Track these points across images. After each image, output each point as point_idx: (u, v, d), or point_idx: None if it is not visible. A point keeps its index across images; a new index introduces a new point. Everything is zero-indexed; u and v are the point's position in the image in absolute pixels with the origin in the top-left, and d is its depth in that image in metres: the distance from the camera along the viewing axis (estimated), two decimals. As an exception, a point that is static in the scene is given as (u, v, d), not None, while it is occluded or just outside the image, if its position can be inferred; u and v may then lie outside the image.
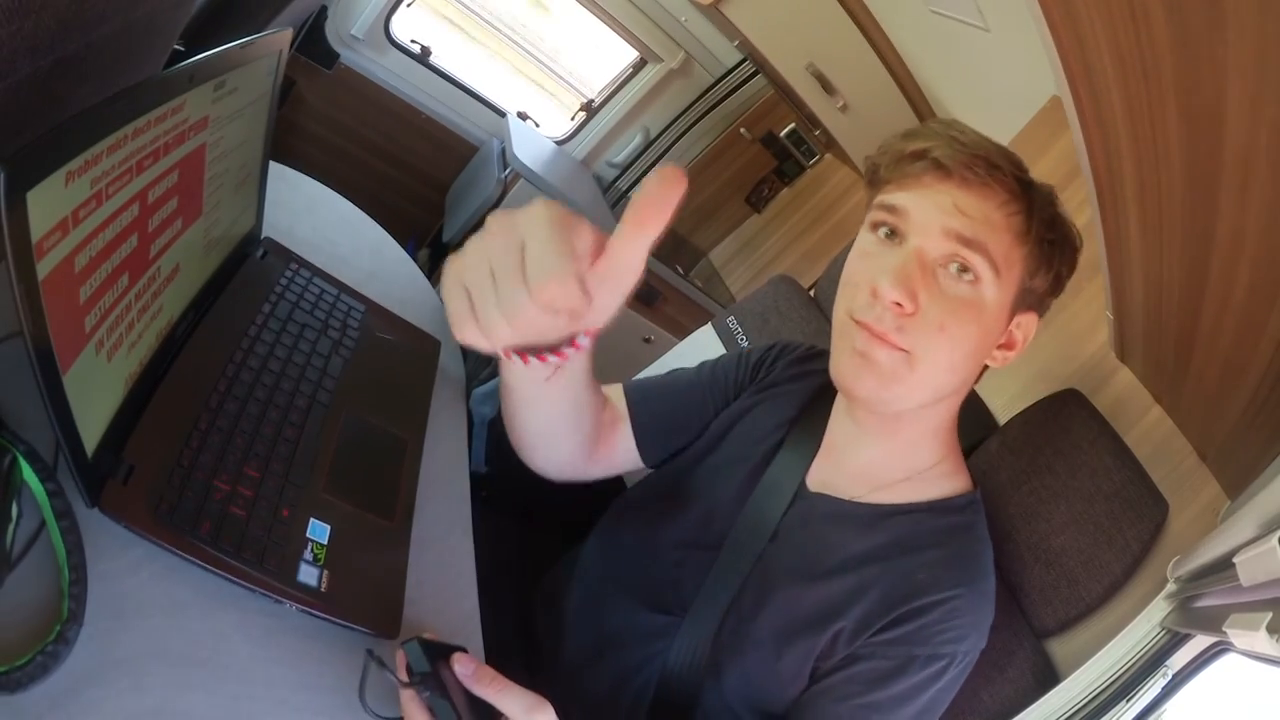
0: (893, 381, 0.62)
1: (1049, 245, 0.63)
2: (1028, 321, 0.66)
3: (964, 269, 0.60)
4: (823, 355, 0.68)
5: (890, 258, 0.62)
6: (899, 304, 0.59)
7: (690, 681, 0.66)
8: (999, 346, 0.65)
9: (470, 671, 0.51)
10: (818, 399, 0.77)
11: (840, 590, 0.64)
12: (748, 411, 0.80)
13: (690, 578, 0.70)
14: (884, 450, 0.69)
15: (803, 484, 0.72)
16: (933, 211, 0.60)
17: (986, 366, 0.67)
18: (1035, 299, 0.65)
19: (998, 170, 0.60)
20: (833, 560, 0.66)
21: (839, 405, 0.74)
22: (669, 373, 0.86)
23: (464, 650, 0.53)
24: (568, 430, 0.68)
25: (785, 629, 0.64)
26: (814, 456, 0.73)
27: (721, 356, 0.86)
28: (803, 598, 0.65)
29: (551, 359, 0.45)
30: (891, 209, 0.63)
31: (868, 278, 0.62)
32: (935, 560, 0.64)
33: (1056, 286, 0.66)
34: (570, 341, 0.45)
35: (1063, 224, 0.64)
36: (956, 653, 0.61)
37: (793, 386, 0.80)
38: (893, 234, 0.63)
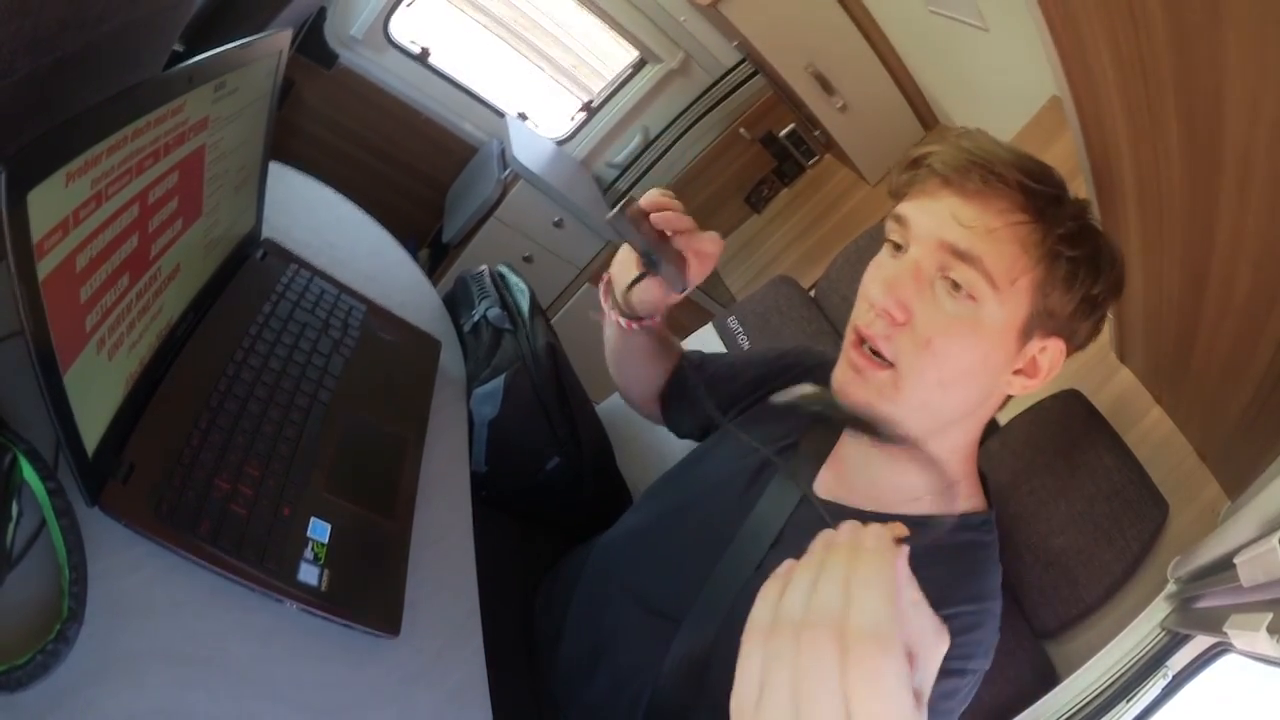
0: (879, 399, 0.61)
1: (1069, 262, 0.58)
2: (1053, 347, 0.61)
3: (956, 285, 0.58)
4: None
5: (890, 268, 0.62)
6: (889, 312, 0.59)
7: (685, 687, 0.65)
8: (1017, 372, 0.62)
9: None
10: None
11: None
12: (761, 414, 0.79)
13: (690, 581, 0.69)
14: (894, 471, 0.67)
15: (811, 492, 0.70)
16: (929, 221, 0.60)
17: (1010, 397, 0.64)
18: (1059, 323, 0.60)
19: (997, 178, 0.58)
20: None
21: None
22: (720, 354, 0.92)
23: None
24: (636, 377, 0.89)
25: None
26: (822, 465, 0.72)
27: (750, 350, 0.87)
28: None
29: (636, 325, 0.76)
30: (897, 218, 0.63)
31: (868, 287, 0.62)
32: (944, 576, 0.61)
33: (1089, 311, 0.61)
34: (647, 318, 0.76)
35: (1091, 239, 0.59)
36: (965, 669, 0.59)
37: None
38: (899, 246, 0.63)
